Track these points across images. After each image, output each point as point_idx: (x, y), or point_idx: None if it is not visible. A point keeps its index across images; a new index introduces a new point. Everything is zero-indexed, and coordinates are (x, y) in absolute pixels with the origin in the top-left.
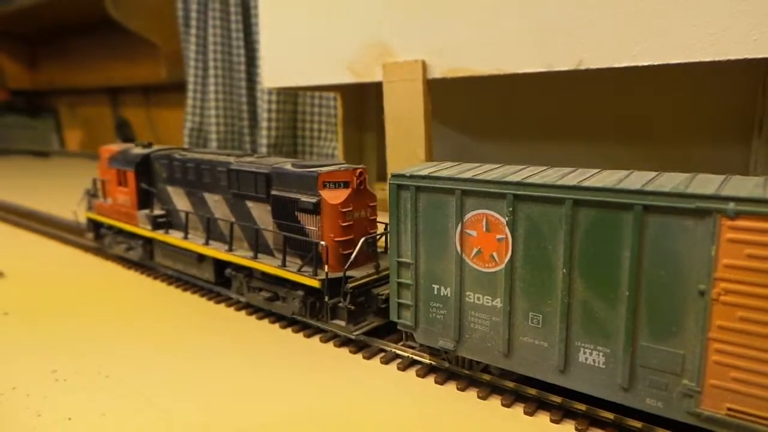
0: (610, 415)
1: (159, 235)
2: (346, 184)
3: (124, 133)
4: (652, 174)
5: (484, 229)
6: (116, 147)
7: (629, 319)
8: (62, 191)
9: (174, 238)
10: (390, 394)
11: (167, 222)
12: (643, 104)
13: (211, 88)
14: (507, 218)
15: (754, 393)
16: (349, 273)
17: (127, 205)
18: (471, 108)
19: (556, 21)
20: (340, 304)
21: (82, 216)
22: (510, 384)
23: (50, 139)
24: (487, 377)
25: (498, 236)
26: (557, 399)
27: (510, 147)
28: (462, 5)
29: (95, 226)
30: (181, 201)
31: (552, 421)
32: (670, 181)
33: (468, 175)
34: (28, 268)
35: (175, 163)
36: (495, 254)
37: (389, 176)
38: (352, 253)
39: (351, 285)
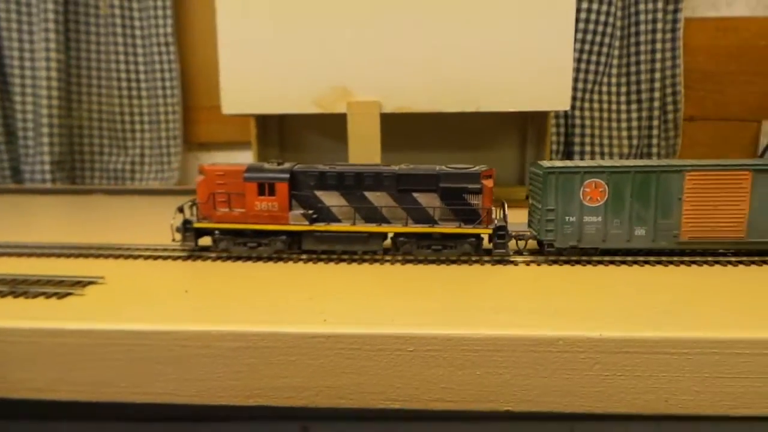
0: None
1: (320, 226)
2: (490, 176)
3: None
4: (648, 160)
5: (594, 187)
6: (235, 166)
7: (655, 214)
8: None
9: (340, 226)
10: (536, 271)
11: (317, 218)
12: (474, 125)
13: None
14: (606, 181)
15: (701, 227)
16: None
17: (273, 210)
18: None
19: (462, 78)
20: (502, 240)
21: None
22: (587, 258)
23: None
24: (578, 256)
25: (601, 189)
26: (619, 258)
27: (395, 156)
28: (403, 64)
29: (197, 234)
30: (333, 200)
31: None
32: (653, 163)
33: (582, 164)
34: (132, 276)
35: (328, 174)
36: (599, 198)
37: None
38: (494, 215)
39: (509, 228)
